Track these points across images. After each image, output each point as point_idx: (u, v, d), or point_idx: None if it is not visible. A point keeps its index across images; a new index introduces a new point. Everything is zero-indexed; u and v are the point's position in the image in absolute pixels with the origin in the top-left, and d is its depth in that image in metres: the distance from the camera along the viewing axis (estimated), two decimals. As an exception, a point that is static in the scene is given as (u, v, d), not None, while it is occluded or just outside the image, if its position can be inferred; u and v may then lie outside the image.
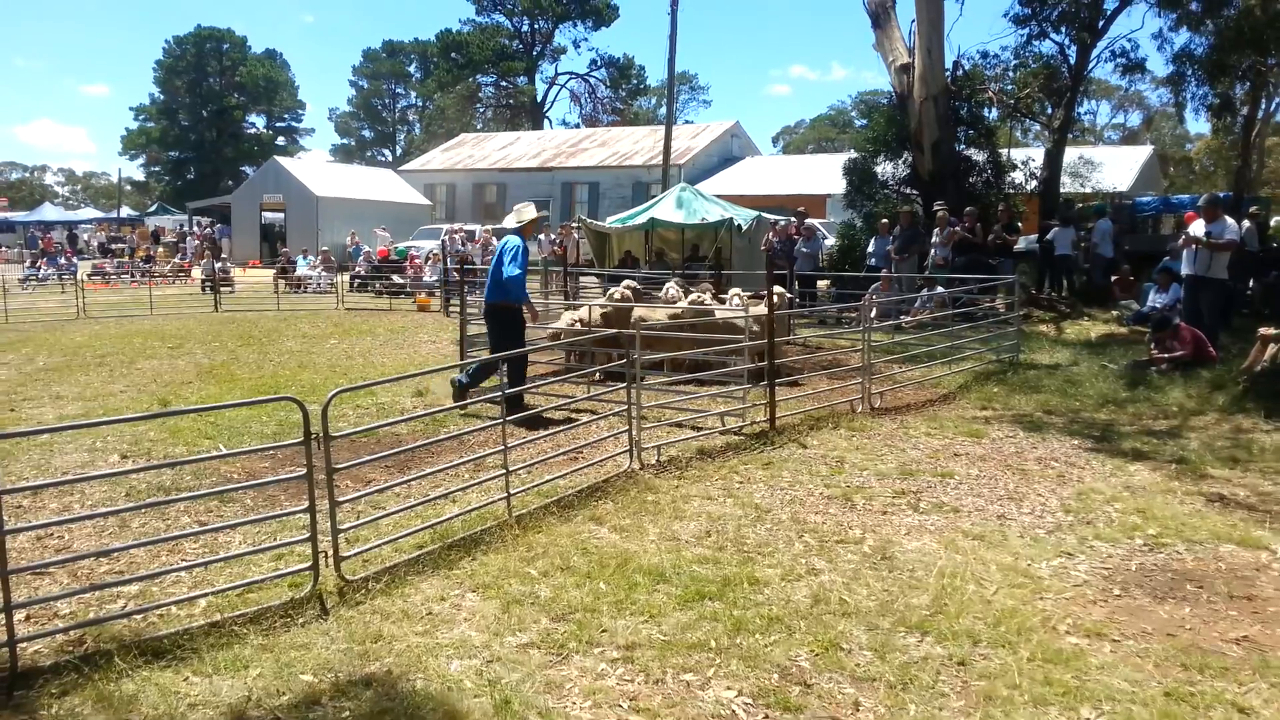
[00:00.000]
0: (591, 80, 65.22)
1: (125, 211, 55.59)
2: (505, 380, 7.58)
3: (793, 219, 18.77)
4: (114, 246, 37.54)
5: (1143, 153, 35.73)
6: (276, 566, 4.98)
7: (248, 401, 7.63)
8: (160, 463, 6.79)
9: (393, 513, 5.56)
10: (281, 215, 36.66)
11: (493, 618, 4.41)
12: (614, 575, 4.87)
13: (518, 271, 8.46)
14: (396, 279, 23.68)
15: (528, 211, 8.85)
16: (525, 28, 65.43)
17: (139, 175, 77.07)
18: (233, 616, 4.36)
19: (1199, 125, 60.79)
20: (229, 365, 11.98)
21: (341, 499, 4.96)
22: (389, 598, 4.63)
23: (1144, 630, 4.29)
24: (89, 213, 58.76)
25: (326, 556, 4.74)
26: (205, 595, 4.57)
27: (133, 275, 27.78)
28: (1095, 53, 22.04)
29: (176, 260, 31.35)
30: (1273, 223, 17.90)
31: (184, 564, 4.97)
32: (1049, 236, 17.79)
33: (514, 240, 8.65)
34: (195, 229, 40.43)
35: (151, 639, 4.13)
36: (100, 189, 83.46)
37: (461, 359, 9.85)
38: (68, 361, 12.27)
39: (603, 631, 4.26)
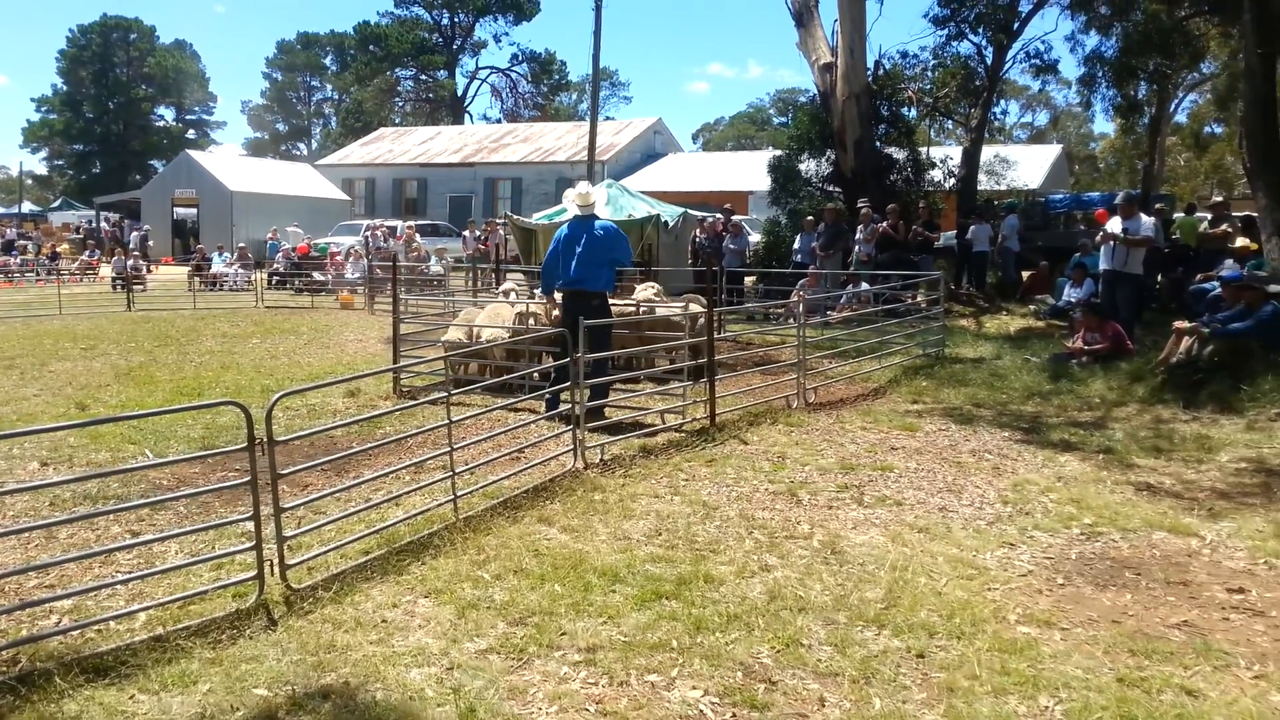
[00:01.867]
0: (513, 75, 64.75)
1: (27, 207, 53.39)
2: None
3: (719, 215, 18.89)
4: (19, 243, 35.95)
5: (1052, 151, 36.90)
6: (218, 576, 4.81)
7: (186, 407, 7.35)
8: (92, 473, 6.50)
9: (337, 519, 5.42)
10: (194, 211, 35.57)
11: (448, 623, 4.34)
12: (568, 577, 4.82)
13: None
14: (317, 276, 23.16)
15: (593, 194, 8.66)
16: (445, 21, 64.57)
17: (41, 169, 74.11)
18: (176, 630, 4.19)
19: (1103, 125, 62.95)
20: (148, 366, 11.57)
21: (284, 505, 4.81)
22: (339, 606, 4.51)
23: (1090, 618, 4.41)
24: (-13, 207, 56.36)
25: (271, 565, 4.60)
26: (145, 609, 4.39)
27: (38, 273, 26.66)
28: (1011, 54, 22.72)
29: (84, 257, 30.16)
30: (1176, 218, 18.57)
31: (119, 577, 4.78)
32: (968, 234, 18.22)
33: (611, 224, 8.60)
34: (105, 224, 39.02)
35: (92, 655, 3.95)
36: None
37: (395, 358, 9.67)
38: (-27, 364, 11.71)
39: (562, 634, 4.22)
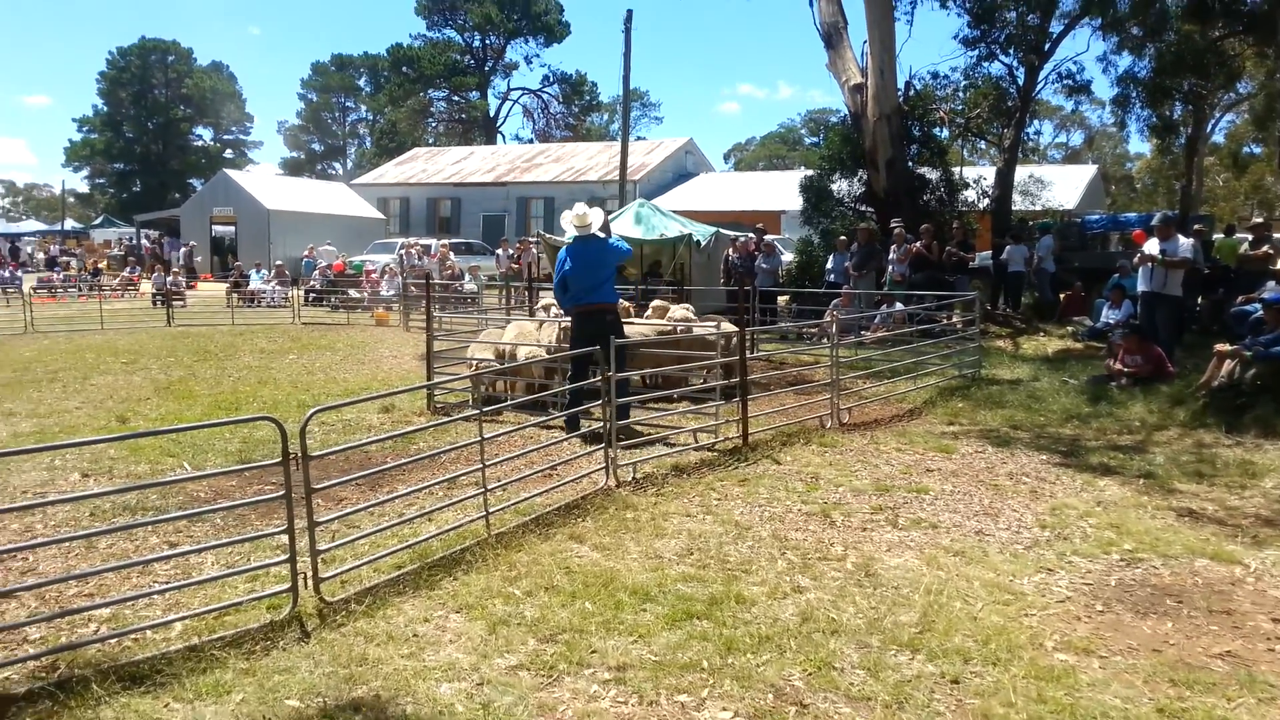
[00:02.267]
0: (544, 96, 65.28)
1: (69, 224, 54.39)
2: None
3: (752, 235, 18.88)
4: (62, 259, 36.64)
5: (1088, 171, 36.54)
6: (252, 588, 4.85)
7: (222, 422, 7.44)
8: (130, 485, 6.58)
9: (370, 533, 5.45)
10: (232, 229, 36.05)
11: (479, 639, 4.34)
12: (599, 595, 4.81)
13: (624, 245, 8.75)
14: (353, 293, 23.38)
15: (592, 216, 8.75)
16: (477, 43, 65.26)
17: (83, 187, 75.50)
18: (210, 640, 4.23)
19: (1139, 145, 62.34)
20: (186, 381, 11.72)
21: (319, 519, 4.84)
22: (371, 619, 4.52)
23: (1130, 646, 4.33)
24: (31, 225, 57.46)
25: (305, 578, 4.62)
26: (181, 619, 4.43)
27: (79, 289, 27.11)
28: (1042, 74, 22.55)
29: (125, 274, 30.65)
30: (1216, 239, 18.32)
31: (157, 587, 4.83)
32: (1004, 254, 18.08)
33: (600, 238, 8.67)
34: (145, 241, 39.64)
35: (128, 664, 4.00)
36: (42, 201, 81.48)
37: (429, 375, 9.73)
38: (18, 377, 11.91)
39: (592, 652, 4.20)
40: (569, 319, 8.91)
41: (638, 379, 9.41)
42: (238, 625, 4.40)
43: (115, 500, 6.28)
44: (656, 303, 10.83)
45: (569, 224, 8.73)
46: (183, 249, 33.76)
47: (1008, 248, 18.00)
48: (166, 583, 4.94)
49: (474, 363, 9.86)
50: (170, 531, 5.78)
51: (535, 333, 9.97)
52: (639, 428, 8.25)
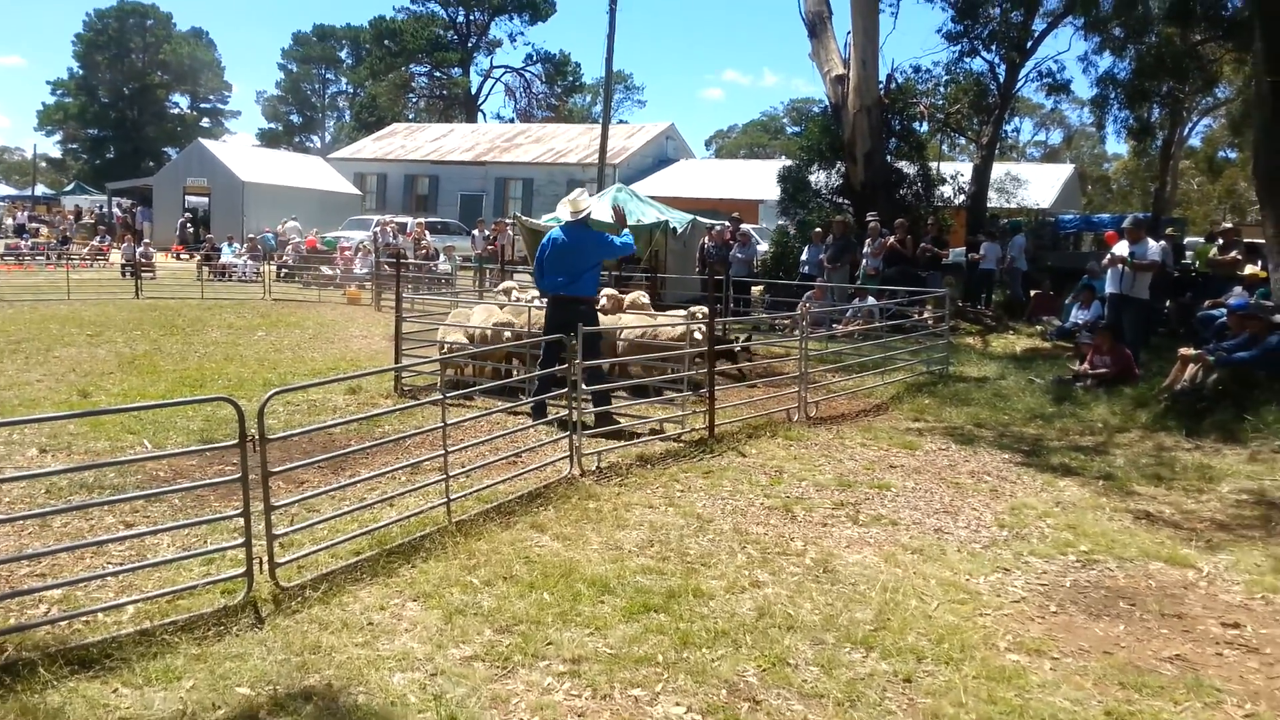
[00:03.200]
0: (527, 75, 64.79)
1: (40, 190, 53.60)
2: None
3: (728, 224, 18.87)
4: (30, 226, 36.08)
5: (1064, 171, 36.82)
6: (208, 571, 4.81)
7: (179, 401, 7.38)
8: (87, 464, 6.51)
9: (329, 518, 5.42)
10: (206, 200, 35.63)
11: (435, 628, 4.32)
12: (558, 585, 4.81)
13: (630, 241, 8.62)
14: (325, 270, 23.20)
15: (584, 201, 8.63)
16: (461, 18, 64.58)
17: (55, 152, 74.37)
18: (163, 624, 4.19)
19: (1117, 146, 62.75)
20: (152, 355, 11.59)
21: (276, 503, 4.80)
22: (327, 606, 4.50)
23: (1081, 648, 4.38)
24: (1, 190, 56.54)
25: (261, 562, 4.59)
26: (134, 602, 4.38)
27: (48, 257, 26.74)
28: (1023, 72, 22.72)
29: (95, 243, 30.25)
30: (1186, 242, 18.53)
31: (111, 569, 4.78)
32: (980, 251, 18.16)
33: (591, 230, 8.58)
34: (116, 210, 39.10)
35: (77, 647, 3.96)
36: (13, 165, 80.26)
37: (397, 357, 9.67)
38: (-22, 347, 11.74)
39: (548, 644, 4.20)
40: (535, 303, 8.87)
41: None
42: (191, 609, 4.36)
43: (72, 478, 6.21)
44: (608, 291, 10.73)
45: (564, 209, 8.63)
46: (180, 220, 33.25)
47: (983, 245, 18.09)
48: (120, 564, 4.89)
49: (444, 345, 9.80)
50: (127, 511, 5.72)
51: (501, 315, 9.90)
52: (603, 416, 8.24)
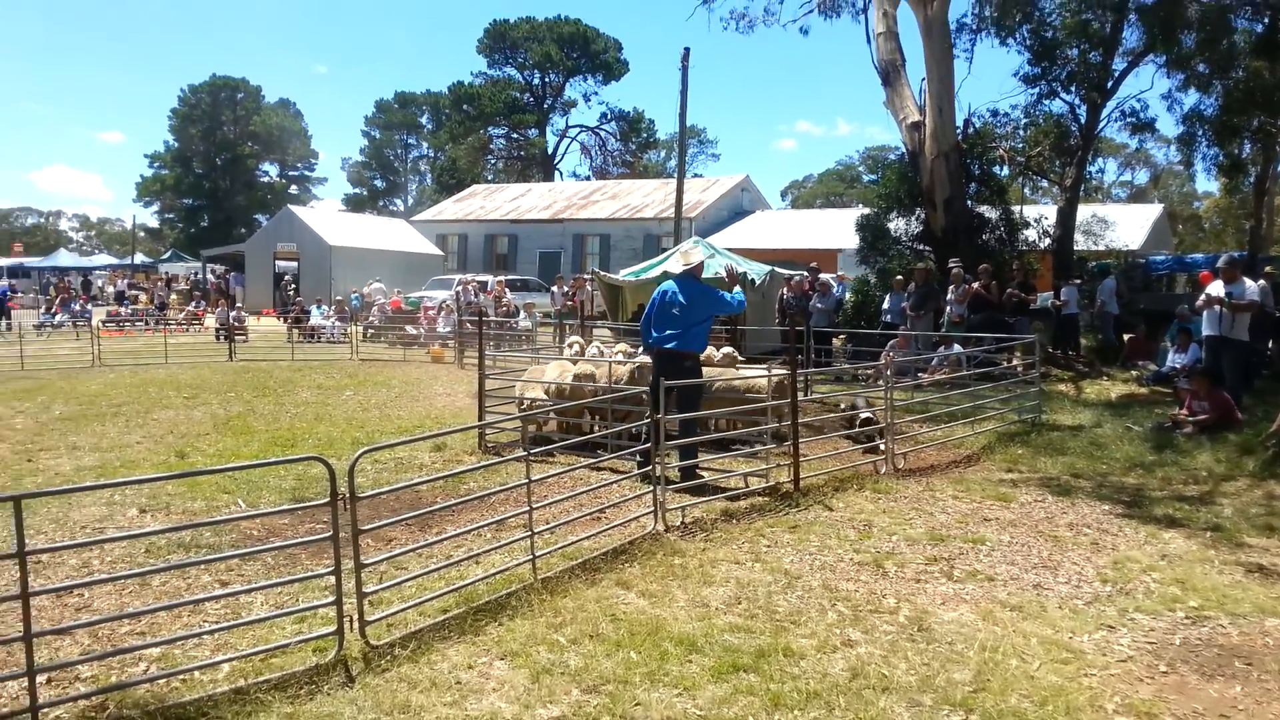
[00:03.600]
0: (602, 133, 65.99)
1: (139, 258, 56.04)
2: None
3: (806, 274, 18.78)
4: (130, 293, 37.68)
5: (1153, 211, 35.83)
6: (299, 630, 4.87)
7: (272, 462, 7.56)
8: (184, 524, 6.69)
9: (416, 575, 5.45)
10: (295, 264, 36.82)
11: (522, 688, 4.30)
12: (644, 644, 4.75)
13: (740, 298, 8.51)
14: (409, 330, 23.70)
15: (696, 255, 8.68)
16: (536, 81, 66.31)
17: (153, 222, 77.87)
18: (257, 683, 4.25)
19: (1208, 184, 61.01)
20: (245, 416, 11.93)
21: (366, 561, 4.85)
22: (415, 664, 4.51)
23: (1195, 710, 4.15)
24: (103, 259, 59.36)
25: (351, 620, 4.63)
26: (229, 660, 4.46)
27: (147, 323, 27.85)
28: (1105, 112, 22.22)
29: (190, 308, 31.44)
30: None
31: (207, 627, 4.87)
32: (1061, 297, 17.74)
33: (704, 286, 8.53)
34: (211, 276, 40.64)
35: (175, 705, 4.03)
36: (114, 235, 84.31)
37: (480, 414, 9.78)
38: (84, 410, 12.23)
39: (636, 705, 4.14)
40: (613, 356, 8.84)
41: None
42: (284, 667, 4.42)
43: (170, 537, 6.37)
44: (725, 350, 10.65)
45: (676, 262, 8.68)
46: (284, 281, 34.23)
47: (1063, 290, 17.66)
48: (216, 622, 4.99)
49: (522, 401, 9.87)
50: (222, 570, 5.84)
51: (575, 368, 9.91)
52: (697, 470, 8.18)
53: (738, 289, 8.62)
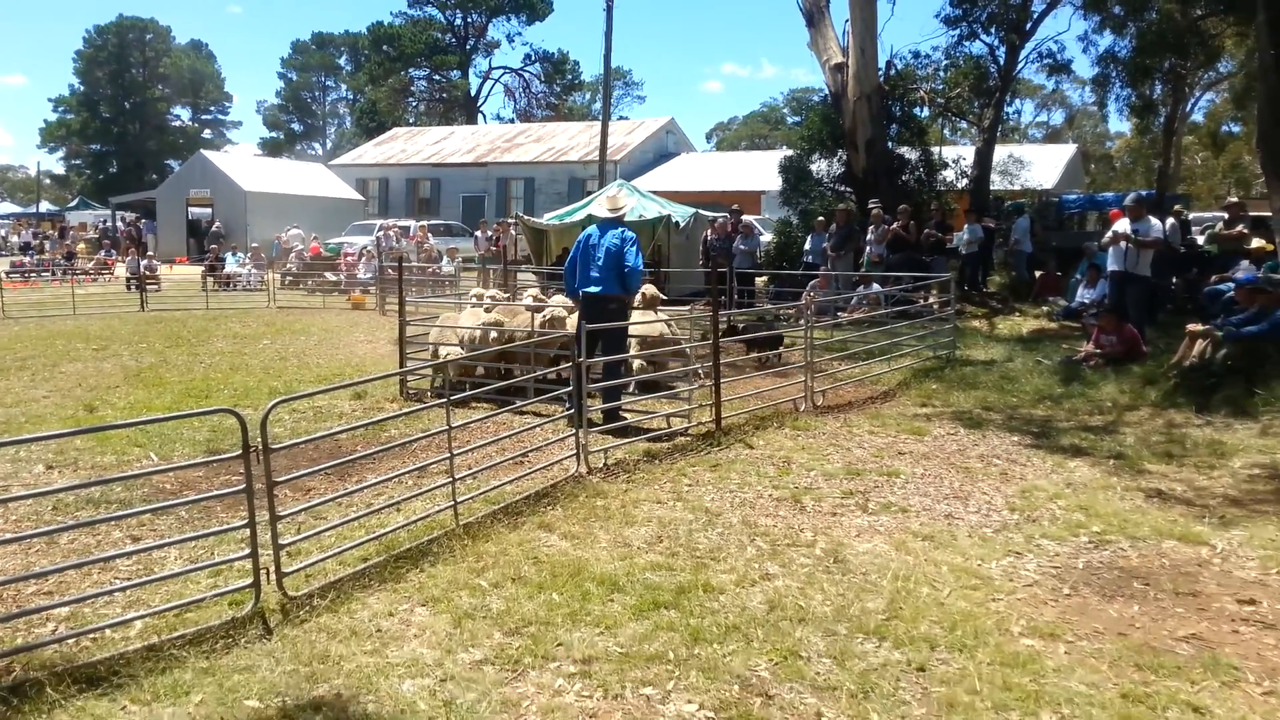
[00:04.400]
0: (526, 75, 64.75)
1: (45, 206, 53.78)
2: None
3: (729, 216, 18.82)
4: (35, 243, 36.17)
5: (1067, 151, 36.61)
6: (215, 584, 4.79)
7: (181, 415, 7.32)
8: (93, 480, 6.50)
9: (335, 525, 5.39)
10: (209, 210, 35.67)
11: (444, 633, 4.30)
12: (567, 585, 4.78)
13: (640, 265, 8.29)
14: (329, 276, 23.21)
15: (623, 200, 8.51)
16: (458, 21, 64.60)
17: (59, 169, 74.61)
18: (171, 639, 4.17)
19: (1120, 124, 62.45)
20: (157, 368, 11.59)
21: (282, 512, 4.78)
22: (335, 614, 4.48)
23: (1096, 630, 4.33)
24: (6, 207, 56.74)
25: (268, 572, 4.57)
26: (141, 617, 4.36)
27: (53, 273, 26.80)
28: (1023, 54, 22.55)
29: (101, 256, 30.31)
30: (1192, 218, 18.36)
31: (118, 584, 4.76)
32: (964, 235, 17.91)
33: (628, 231, 8.39)
34: (120, 224, 39.17)
35: (85, 665, 3.94)
36: (17, 183, 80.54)
37: (401, 360, 9.66)
38: (-15, 366, 11.76)
39: (558, 645, 4.17)
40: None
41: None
42: (199, 623, 4.35)
43: (79, 494, 6.19)
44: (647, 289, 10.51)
45: (601, 206, 8.57)
46: (213, 228, 32.76)
47: (966, 227, 17.81)
48: (128, 579, 4.87)
49: (435, 350, 9.76)
50: (134, 526, 5.71)
51: (488, 317, 9.78)
52: (621, 412, 8.21)
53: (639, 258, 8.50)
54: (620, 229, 8.42)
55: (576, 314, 8.65)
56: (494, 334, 9.36)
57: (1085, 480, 6.75)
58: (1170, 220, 14.70)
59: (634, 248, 8.32)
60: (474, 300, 11.03)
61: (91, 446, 7.51)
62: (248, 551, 4.50)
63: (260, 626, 4.33)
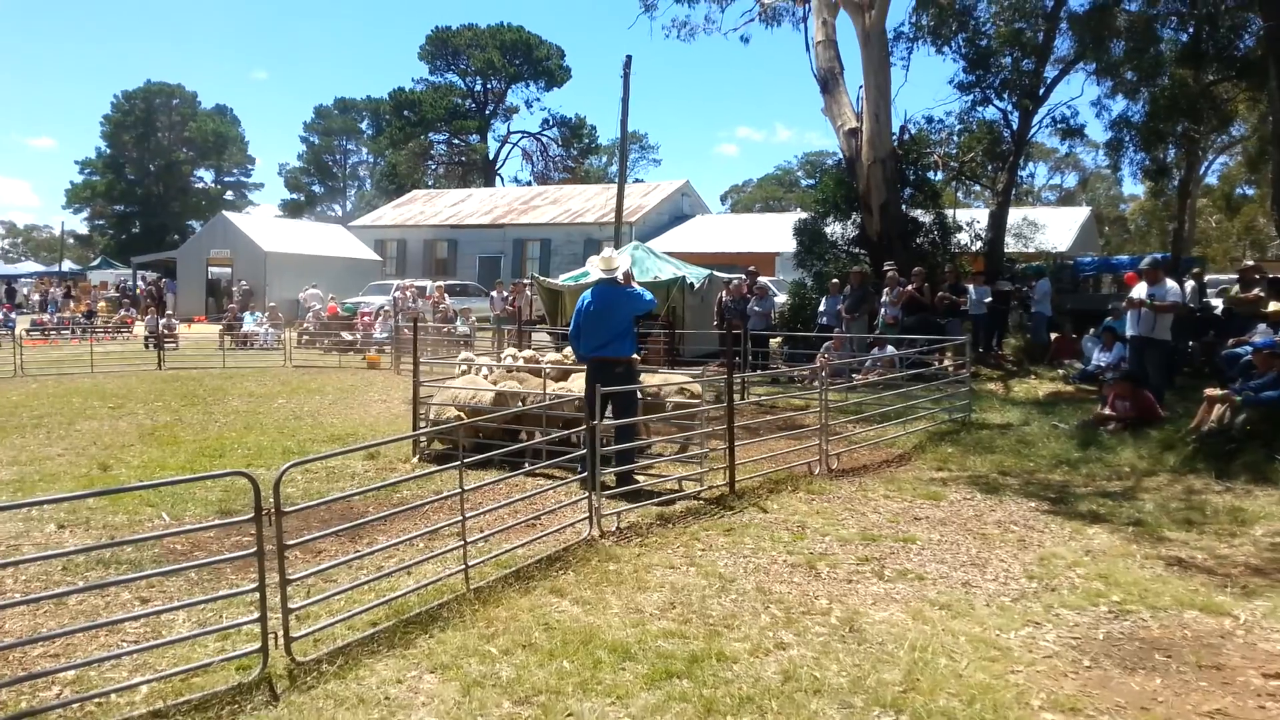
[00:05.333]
0: (543, 139, 65.82)
1: (67, 265, 54.53)
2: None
3: (744, 277, 18.90)
4: (55, 298, 36.62)
5: (1081, 213, 36.73)
6: (223, 648, 4.75)
7: (194, 478, 7.34)
8: (104, 543, 6.49)
9: (346, 589, 5.35)
10: (229, 270, 36.08)
11: (452, 701, 4.23)
12: (578, 653, 4.71)
13: (645, 298, 8.32)
14: (345, 336, 23.36)
15: (616, 260, 8.55)
16: (478, 87, 65.93)
17: (83, 229, 75.77)
18: (176, 704, 4.13)
19: (1134, 187, 62.82)
20: (172, 426, 11.64)
21: (293, 576, 4.75)
22: (343, 680, 4.42)
23: (1118, 704, 4.23)
24: (28, 266, 57.57)
25: (276, 637, 4.53)
26: (147, 681, 4.32)
27: (72, 331, 27.07)
28: (1037, 118, 22.76)
29: (121, 314, 30.65)
30: (1206, 280, 18.33)
31: (125, 647, 4.72)
32: (972, 295, 17.81)
33: (627, 288, 8.39)
34: (141, 283, 39.67)
35: (89, 731, 3.89)
36: (41, 242, 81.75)
37: (415, 422, 9.66)
38: (3, 422, 11.80)
39: (569, 716, 4.10)
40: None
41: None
42: (205, 688, 4.30)
43: (89, 554, 6.17)
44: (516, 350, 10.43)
45: (595, 267, 8.58)
46: (239, 285, 33.03)
47: (972, 289, 17.69)
48: (136, 642, 4.83)
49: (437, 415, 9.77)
50: (143, 587, 5.67)
51: (484, 383, 9.80)
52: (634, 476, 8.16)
53: (642, 288, 8.56)
54: (619, 288, 8.39)
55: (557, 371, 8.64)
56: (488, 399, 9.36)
57: (1104, 547, 6.64)
58: (1189, 282, 14.70)
59: (637, 297, 8.36)
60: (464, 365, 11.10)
61: (104, 506, 7.51)
62: (256, 615, 4.46)
63: (267, 693, 4.28)
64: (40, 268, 55.92)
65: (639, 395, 8.57)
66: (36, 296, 39.58)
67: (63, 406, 13.27)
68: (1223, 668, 4.65)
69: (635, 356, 8.43)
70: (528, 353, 10.60)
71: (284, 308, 28.51)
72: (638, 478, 8.22)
